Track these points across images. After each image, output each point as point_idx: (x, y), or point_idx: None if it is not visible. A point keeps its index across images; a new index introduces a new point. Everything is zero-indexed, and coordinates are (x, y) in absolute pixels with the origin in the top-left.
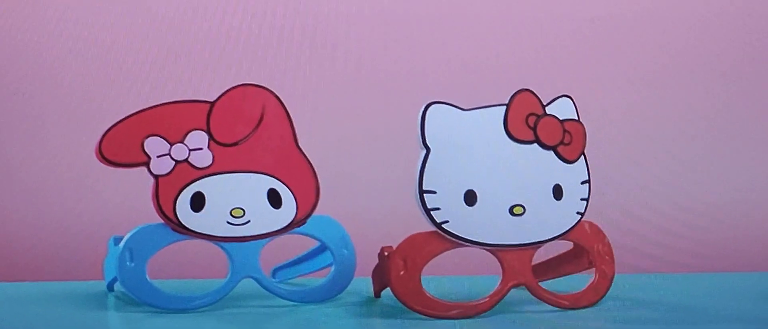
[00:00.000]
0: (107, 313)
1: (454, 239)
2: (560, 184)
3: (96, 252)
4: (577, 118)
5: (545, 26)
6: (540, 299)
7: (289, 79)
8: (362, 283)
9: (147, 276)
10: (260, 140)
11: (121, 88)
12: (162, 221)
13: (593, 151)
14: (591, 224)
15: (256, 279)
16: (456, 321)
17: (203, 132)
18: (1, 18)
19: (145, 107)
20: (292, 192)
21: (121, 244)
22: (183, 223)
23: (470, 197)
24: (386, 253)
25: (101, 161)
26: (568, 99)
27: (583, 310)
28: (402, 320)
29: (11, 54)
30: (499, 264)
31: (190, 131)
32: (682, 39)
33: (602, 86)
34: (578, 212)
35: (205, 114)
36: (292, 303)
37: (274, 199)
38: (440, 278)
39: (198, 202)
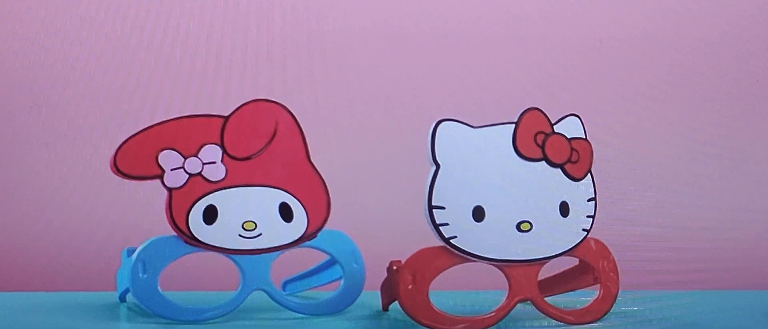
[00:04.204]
0: (119, 324)
1: (461, 254)
2: (567, 201)
3: (109, 263)
4: (584, 136)
5: (554, 47)
6: (545, 314)
7: (302, 95)
8: (371, 297)
9: (159, 287)
10: (273, 155)
11: (136, 102)
12: (175, 233)
13: (599, 169)
14: (597, 241)
15: (266, 292)
16: None
17: (217, 146)
18: (19, 33)
19: (159, 120)
20: (303, 206)
21: (134, 256)
22: (195, 235)
23: (478, 213)
24: (395, 267)
25: (116, 174)
26: (576, 118)
27: (588, 325)
28: None
29: (29, 67)
30: (505, 279)
31: (203, 145)
32: (688, 60)
33: (609, 105)
34: (584, 229)
35: (219, 128)
36: (301, 315)
37: (286, 213)
38: (448, 292)
39: (210, 215)
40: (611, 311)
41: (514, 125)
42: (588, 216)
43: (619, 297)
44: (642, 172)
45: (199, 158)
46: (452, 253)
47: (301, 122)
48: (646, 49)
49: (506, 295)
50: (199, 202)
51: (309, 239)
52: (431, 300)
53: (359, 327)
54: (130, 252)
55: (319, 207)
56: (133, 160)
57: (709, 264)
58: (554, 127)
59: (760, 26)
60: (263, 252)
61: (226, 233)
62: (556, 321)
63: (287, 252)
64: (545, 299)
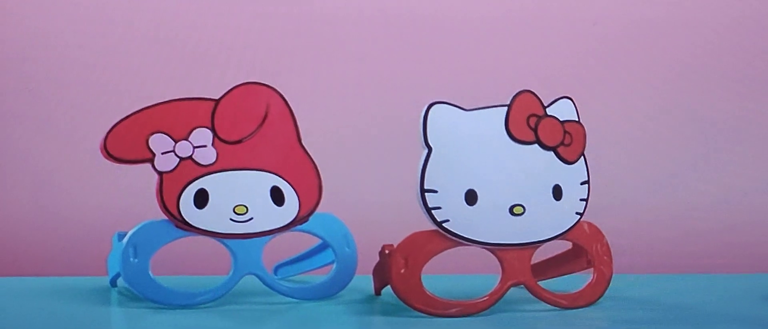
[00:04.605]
0: (110, 309)
1: (454, 238)
2: (560, 184)
3: (100, 247)
4: (577, 119)
5: (547, 28)
6: (539, 298)
7: (293, 78)
8: (363, 281)
9: (150, 272)
10: (264, 138)
11: (126, 85)
12: (166, 217)
13: (593, 152)
14: (590, 224)
15: (258, 276)
16: (456, 319)
17: (207, 129)
18: (11, 16)
19: (150, 104)
20: (294, 190)
21: (125, 240)
22: (186, 220)
23: (471, 197)
24: (387, 251)
25: (106, 158)
26: (569, 100)
27: (581, 309)
28: (402, 318)
29: (20, 50)
30: (498, 263)
31: (194, 129)
32: (682, 43)
33: (603, 87)
34: (577, 213)
35: (210, 112)
36: (293, 300)
37: (277, 196)
38: (440, 276)
39: (201, 199)
40: (605, 295)
41: (506, 108)
42: (581, 199)
43: (612, 281)
44: (636, 154)
45: (190, 142)
46: (445, 237)
47: (292, 105)
48: (639, 30)
49: (499, 279)
50: (190, 186)
51: (301, 223)
52: (424, 284)
53: (351, 311)
54: (121, 236)
55: (311, 191)
56: (124, 143)
57: (704, 247)
58: (547, 109)
59: (756, 10)
60: (254, 236)
61: (217, 217)
62: (549, 305)
63: (279, 236)
64: (538, 283)
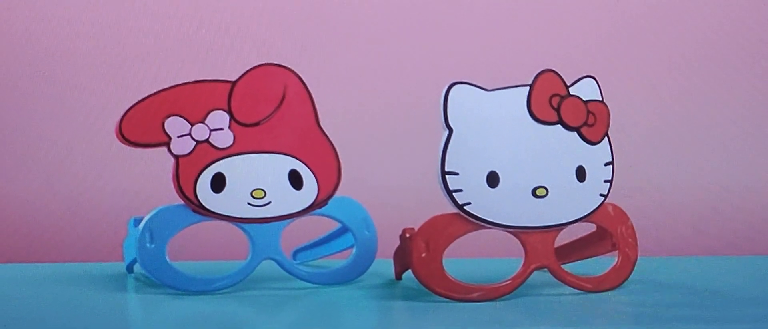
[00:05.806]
0: (127, 295)
1: (476, 221)
2: (583, 166)
3: (116, 233)
4: (601, 99)
5: (570, 6)
6: (562, 281)
7: (310, 59)
8: (383, 265)
9: (167, 257)
10: (282, 121)
11: (141, 68)
12: (182, 202)
13: (617, 132)
14: (614, 206)
15: (276, 261)
16: (478, 303)
17: (224, 112)
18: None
19: (165, 86)
20: (313, 173)
21: (141, 225)
22: (203, 204)
23: (493, 179)
24: (408, 235)
25: (121, 141)
26: (592, 80)
27: (606, 293)
28: (423, 302)
29: (33, 33)
30: (521, 246)
31: (211, 111)
32: (708, 21)
33: (627, 66)
34: (601, 194)
35: (227, 94)
36: (312, 285)
37: (296, 180)
38: (462, 260)
39: (218, 183)
40: (630, 278)
41: (528, 88)
42: (605, 181)
43: (638, 264)
44: (660, 135)
45: (206, 125)
46: (466, 220)
47: (310, 86)
48: (663, 9)
49: (522, 262)
50: (207, 170)
51: (319, 207)
52: (445, 268)
53: (372, 296)
54: (137, 221)
55: (330, 174)
56: (139, 127)
57: (730, 229)
58: (570, 89)
59: None
60: (273, 220)
61: (235, 201)
62: (573, 289)
63: (297, 220)
64: (562, 266)
